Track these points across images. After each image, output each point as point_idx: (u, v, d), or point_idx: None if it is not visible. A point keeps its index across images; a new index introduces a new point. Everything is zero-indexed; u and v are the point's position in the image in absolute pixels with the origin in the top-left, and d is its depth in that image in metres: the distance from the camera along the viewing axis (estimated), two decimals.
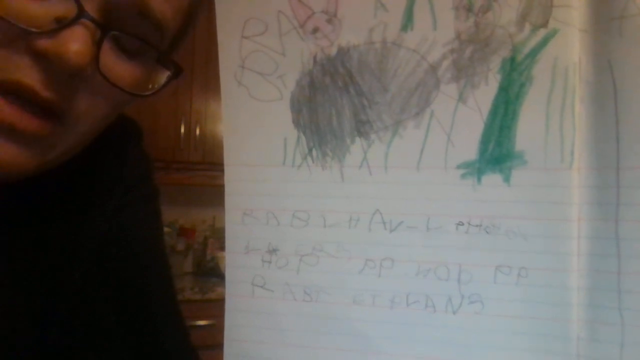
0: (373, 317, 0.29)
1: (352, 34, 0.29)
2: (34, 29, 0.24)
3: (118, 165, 0.37)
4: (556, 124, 0.26)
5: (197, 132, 1.99)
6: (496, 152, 0.27)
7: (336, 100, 0.29)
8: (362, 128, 0.29)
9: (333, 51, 0.29)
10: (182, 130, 1.98)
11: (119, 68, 0.28)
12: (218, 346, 0.31)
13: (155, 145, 1.82)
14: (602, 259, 0.25)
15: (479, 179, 0.27)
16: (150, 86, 0.31)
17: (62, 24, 0.25)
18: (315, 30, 0.29)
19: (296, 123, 0.30)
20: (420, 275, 0.28)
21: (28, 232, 0.32)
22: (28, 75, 0.25)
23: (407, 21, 0.28)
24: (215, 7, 0.30)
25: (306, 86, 0.30)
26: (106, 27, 0.26)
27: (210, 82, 1.91)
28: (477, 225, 0.27)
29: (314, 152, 0.30)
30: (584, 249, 0.26)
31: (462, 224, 0.27)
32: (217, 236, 2.14)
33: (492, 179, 0.27)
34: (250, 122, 0.30)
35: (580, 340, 0.26)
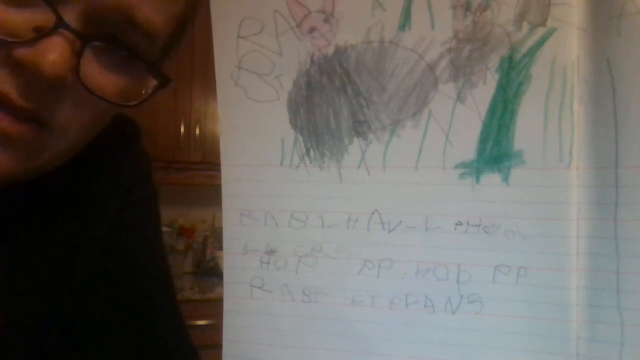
0: (372, 317, 0.29)
1: (349, 34, 0.29)
2: (11, 39, 0.24)
3: (118, 166, 0.37)
4: (555, 124, 0.26)
5: (197, 132, 1.99)
6: (495, 152, 0.27)
7: (334, 101, 0.29)
8: (360, 128, 0.29)
9: (330, 51, 0.29)
10: (182, 130, 1.98)
11: (103, 78, 0.27)
12: (217, 346, 0.31)
13: (155, 145, 1.82)
14: (601, 258, 0.25)
15: (477, 179, 0.27)
16: (143, 92, 0.30)
17: (40, 34, 0.24)
18: (313, 30, 0.29)
19: (294, 124, 0.30)
20: (420, 276, 0.28)
21: (29, 234, 0.32)
22: (6, 83, 0.25)
23: (405, 21, 0.28)
24: (211, 7, 0.30)
25: (303, 86, 0.29)
26: (87, 38, 0.26)
27: (210, 82, 1.90)
28: (476, 225, 0.27)
29: (312, 153, 0.29)
30: (583, 249, 0.26)
31: (461, 224, 0.27)
32: (217, 236, 2.14)
33: (491, 178, 0.27)
34: (248, 122, 0.30)
35: (580, 340, 0.26)
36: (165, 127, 1.93)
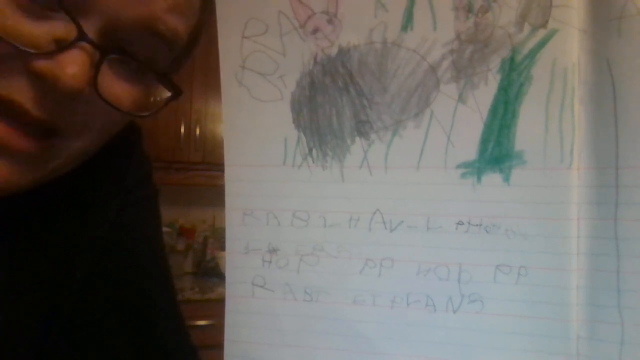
0: (373, 317, 0.29)
1: (352, 34, 0.29)
2: (31, 50, 0.24)
3: (119, 167, 0.37)
4: (555, 124, 0.26)
5: (197, 132, 1.99)
6: (496, 152, 0.27)
7: (336, 101, 0.29)
8: (362, 128, 0.29)
9: (333, 51, 0.29)
10: (182, 130, 1.98)
11: (118, 88, 0.28)
12: (218, 346, 0.31)
13: (155, 145, 1.83)
14: (601, 258, 0.25)
15: (478, 179, 0.27)
16: (152, 99, 0.31)
17: (60, 46, 0.24)
18: (316, 30, 0.29)
19: (296, 123, 0.30)
20: (421, 275, 0.28)
21: (29, 234, 0.32)
22: (22, 93, 0.25)
23: (407, 21, 0.28)
24: (216, 7, 0.30)
25: (306, 86, 0.30)
26: (106, 50, 0.26)
27: (210, 82, 1.91)
28: (477, 225, 0.27)
29: (314, 152, 0.30)
30: (583, 248, 0.26)
31: (462, 224, 0.28)
32: (217, 236, 2.14)
33: (492, 178, 0.27)
34: (251, 122, 0.30)
35: (580, 339, 0.26)
36: (165, 127, 1.93)
